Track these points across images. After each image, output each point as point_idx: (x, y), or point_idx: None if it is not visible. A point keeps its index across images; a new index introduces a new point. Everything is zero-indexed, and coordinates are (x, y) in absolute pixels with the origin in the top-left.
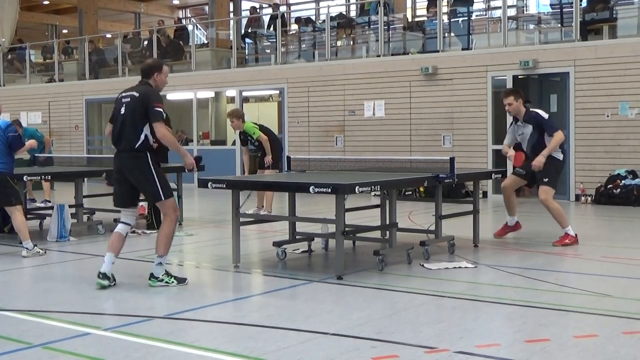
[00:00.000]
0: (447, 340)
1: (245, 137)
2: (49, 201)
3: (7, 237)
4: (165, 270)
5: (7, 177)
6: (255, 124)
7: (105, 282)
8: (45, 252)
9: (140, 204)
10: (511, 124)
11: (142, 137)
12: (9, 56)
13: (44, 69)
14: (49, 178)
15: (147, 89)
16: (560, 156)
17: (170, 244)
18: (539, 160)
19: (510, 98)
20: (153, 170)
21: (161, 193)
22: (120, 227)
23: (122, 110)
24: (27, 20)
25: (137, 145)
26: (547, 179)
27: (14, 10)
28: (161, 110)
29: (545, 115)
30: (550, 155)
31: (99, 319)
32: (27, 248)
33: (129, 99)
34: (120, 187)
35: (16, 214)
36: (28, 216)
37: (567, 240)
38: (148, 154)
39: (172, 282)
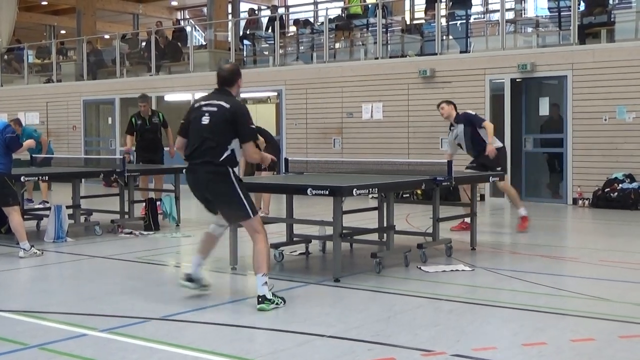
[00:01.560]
0: (443, 343)
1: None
2: (47, 202)
3: (4, 237)
4: (272, 292)
5: (4, 178)
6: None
7: (190, 285)
8: (42, 253)
9: (158, 203)
10: (449, 133)
11: (229, 151)
12: (7, 57)
13: (42, 70)
14: (47, 179)
15: (238, 103)
16: (501, 144)
17: (269, 260)
18: (491, 149)
19: (443, 104)
20: (237, 186)
21: (248, 210)
22: (212, 228)
23: (205, 121)
24: (25, 20)
25: (221, 159)
26: (499, 168)
27: (12, 11)
28: (254, 128)
29: (473, 112)
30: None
31: (96, 320)
32: (24, 249)
33: (215, 109)
34: (204, 201)
35: (13, 215)
36: (25, 217)
37: (526, 223)
38: (230, 170)
39: (280, 302)
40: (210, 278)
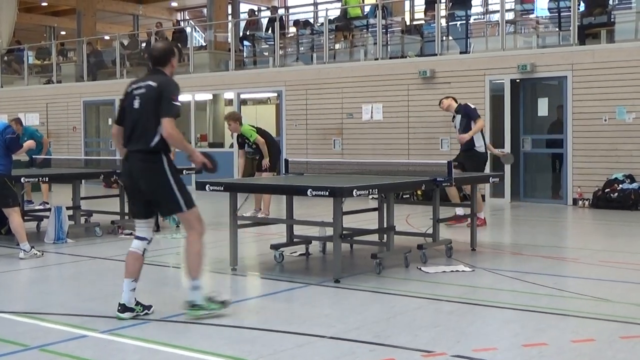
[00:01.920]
0: (444, 344)
1: (242, 140)
2: (47, 203)
3: (5, 239)
4: (208, 296)
5: (4, 179)
6: (253, 126)
7: (126, 315)
8: (43, 254)
9: None
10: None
11: (159, 135)
12: (7, 58)
13: (42, 71)
14: (47, 180)
15: (166, 79)
16: (483, 149)
17: (203, 263)
18: (463, 137)
19: (442, 99)
20: (170, 176)
21: (181, 202)
22: (135, 245)
23: (136, 104)
24: (26, 21)
25: (152, 144)
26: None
27: (12, 12)
28: (178, 105)
29: (472, 107)
30: (475, 149)
31: (96, 322)
32: (24, 250)
33: (143, 90)
34: (134, 195)
35: (14, 216)
36: (25, 218)
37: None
38: (164, 156)
39: (216, 307)
40: (209, 279)
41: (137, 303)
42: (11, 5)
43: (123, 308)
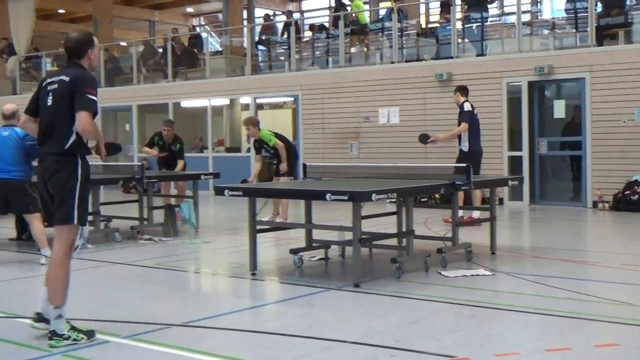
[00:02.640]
0: (466, 349)
1: (260, 145)
2: None
3: (26, 244)
4: (71, 325)
5: (25, 185)
6: (271, 131)
7: (40, 325)
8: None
9: (176, 209)
10: None
11: (74, 136)
12: (25, 65)
13: None
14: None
15: (80, 73)
16: (466, 148)
17: (68, 287)
18: (438, 136)
19: (455, 91)
20: (78, 182)
21: (74, 213)
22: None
23: (49, 101)
24: (43, 29)
25: (67, 146)
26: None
27: (30, 20)
28: (94, 99)
29: (466, 108)
30: (461, 150)
31: (118, 327)
32: (45, 256)
33: (56, 85)
34: (46, 200)
35: (35, 222)
36: (46, 224)
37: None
38: (79, 161)
39: (81, 337)
40: (229, 284)
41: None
42: (29, 12)
43: (39, 318)
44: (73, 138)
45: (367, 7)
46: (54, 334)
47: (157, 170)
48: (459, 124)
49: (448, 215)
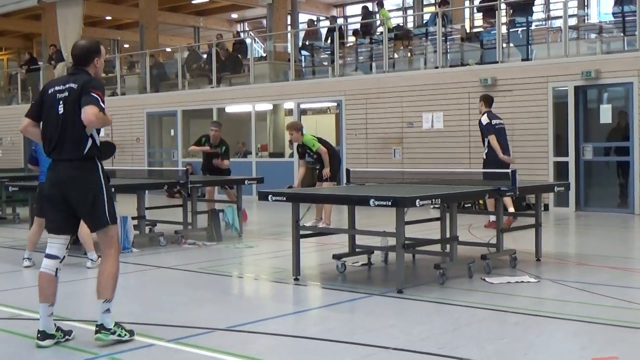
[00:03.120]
0: (510, 357)
1: (303, 150)
2: None
3: (73, 248)
4: (115, 322)
5: None
6: (314, 136)
7: (47, 343)
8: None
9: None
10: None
11: (89, 141)
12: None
13: (106, 83)
14: (113, 190)
15: (87, 79)
16: (485, 156)
17: (116, 283)
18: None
19: (480, 100)
20: (103, 187)
21: (108, 216)
22: (46, 264)
23: (60, 110)
24: (90, 35)
25: (85, 152)
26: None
27: (77, 27)
28: (98, 97)
29: (484, 122)
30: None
31: (163, 330)
32: (91, 259)
33: (66, 94)
34: (57, 206)
35: (82, 226)
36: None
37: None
38: (98, 164)
39: (125, 334)
40: (272, 289)
41: (58, 329)
42: (77, 19)
43: (43, 335)
44: (90, 143)
45: (410, 12)
46: (102, 328)
47: (201, 175)
48: (482, 137)
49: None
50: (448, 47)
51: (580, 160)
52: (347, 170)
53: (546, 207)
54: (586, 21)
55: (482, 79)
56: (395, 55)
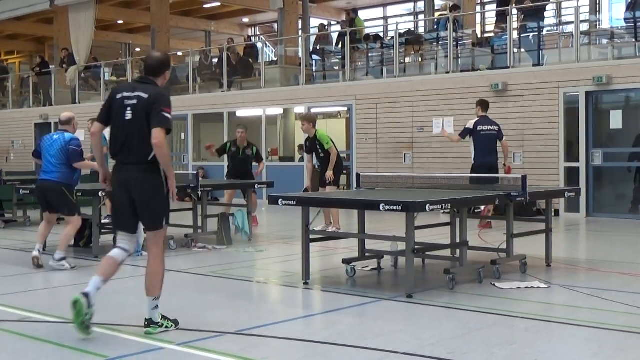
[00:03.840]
0: None
1: (312, 145)
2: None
3: (82, 251)
4: (161, 314)
5: (62, 188)
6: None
7: (83, 300)
8: (75, 268)
9: (254, 214)
10: None
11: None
12: (84, 74)
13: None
14: None
15: (158, 90)
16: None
17: (163, 282)
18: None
19: (476, 104)
20: (164, 189)
21: (163, 218)
22: (114, 252)
23: (128, 116)
24: (102, 39)
25: (151, 157)
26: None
27: (89, 30)
28: (169, 117)
29: (469, 125)
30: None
31: (172, 334)
32: (56, 259)
33: (135, 102)
34: (122, 206)
35: (67, 226)
36: (103, 231)
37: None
38: (161, 169)
39: (171, 325)
40: (281, 293)
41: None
42: (89, 24)
43: (85, 295)
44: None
45: (422, 17)
46: (150, 322)
47: (213, 179)
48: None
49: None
50: (459, 52)
51: (590, 166)
52: (357, 175)
53: (557, 213)
54: (598, 27)
55: (493, 84)
56: (407, 60)
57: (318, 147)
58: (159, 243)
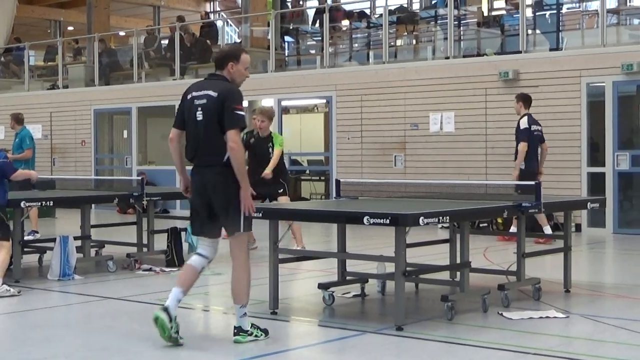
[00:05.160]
0: None
1: (261, 145)
2: (37, 232)
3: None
4: (252, 323)
5: None
6: None
7: (163, 316)
8: (20, 293)
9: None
10: None
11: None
12: (4, 58)
13: (46, 74)
14: (51, 204)
15: (226, 86)
16: (523, 166)
17: (249, 289)
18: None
19: (518, 100)
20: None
21: (242, 223)
22: (194, 260)
23: (199, 117)
24: (26, 15)
25: (225, 160)
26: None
27: (10, 4)
28: (242, 114)
29: (522, 125)
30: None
31: None
32: None
33: (205, 101)
34: (200, 210)
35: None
36: (26, 249)
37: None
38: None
39: (261, 335)
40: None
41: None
42: None
43: (164, 310)
44: (229, 152)
45: None
46: (240, 330)
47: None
48: (516, 140)
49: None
50: (462, 33)
51: (614, 172)
52: (337, 181)
53: (578, 228)
54: (628, 4)
55: (502, 72)
56: (398, 43)
57: (270, 149)
58: (242, 248)
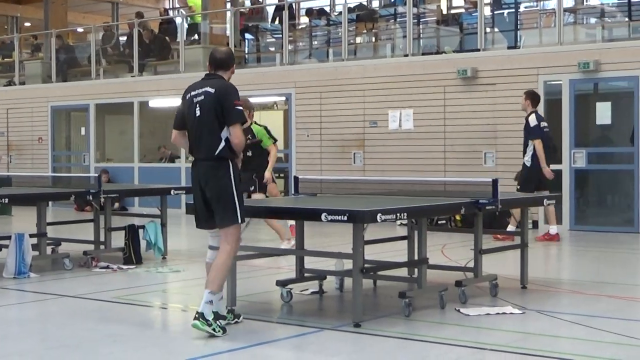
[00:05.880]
0: None
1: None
2: None
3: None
4: (215, 313)
5: None
6: (265, 128)
7: (197, 323)
8: None
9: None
10: None
11: (224, 142)
12: None
13: (2, 70)
14: (6, 201)
15: (223, 83)
16: (529, 163)
17: (225, 279)
18: (547, 172)
19: (526, 97)
20: (234, 184)
21: (238, 214)
22: (209, 255)
23: (197, 112)
24: None
25: (217, 152)
26: (519, 187)
27: None
28: (241, 109)
29: (532, 123)
30: (524, 162)
31: None
32: None
33: (202, 97)
34: (198, 203)
35: None
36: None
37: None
38: (231, 163)
39: (219, 332)
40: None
41: (229, 311)
42: None
43: (200, 316)
44: (222, 144)
45: None
46: (201, 316)
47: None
48: (525, 138)
49: (494, 233)
50: (421, 31)
51: (570, 169)
52: (296, 178)
53: (535, 225)
54: (585, 3)
55: (460, 69)
56: (357, 40)
57: (248, 140)
58: (229, 240)
